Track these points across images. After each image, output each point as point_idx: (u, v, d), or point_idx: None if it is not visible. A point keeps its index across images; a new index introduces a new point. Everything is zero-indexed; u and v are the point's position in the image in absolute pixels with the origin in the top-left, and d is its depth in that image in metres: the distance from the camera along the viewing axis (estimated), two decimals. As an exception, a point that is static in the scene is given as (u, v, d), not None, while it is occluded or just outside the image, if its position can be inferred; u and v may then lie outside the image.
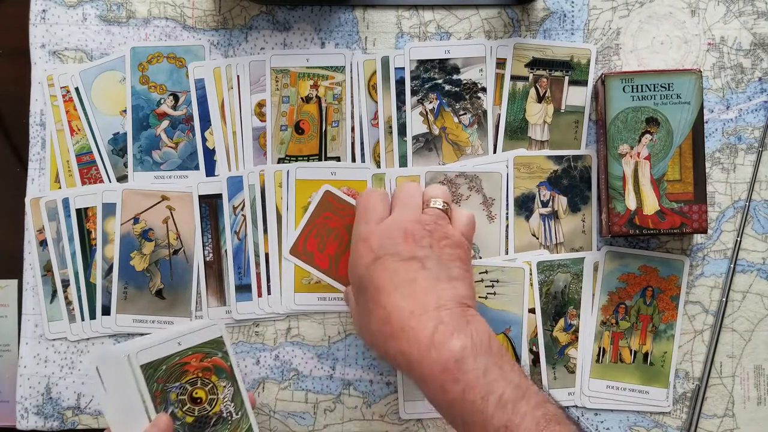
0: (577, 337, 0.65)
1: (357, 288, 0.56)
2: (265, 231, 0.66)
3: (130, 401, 0.55)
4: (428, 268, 0.54)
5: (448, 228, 0.57)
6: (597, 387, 0.65)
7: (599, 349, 0.65)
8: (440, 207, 0.58)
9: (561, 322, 0.65)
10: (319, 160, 0.67)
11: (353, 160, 0.67)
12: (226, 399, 0.59)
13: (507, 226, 0.66)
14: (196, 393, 0.58)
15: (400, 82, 0.67)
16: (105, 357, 0.56)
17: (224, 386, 0.59)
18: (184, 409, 0.57)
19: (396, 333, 0.51)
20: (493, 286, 0.65)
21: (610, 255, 0.65)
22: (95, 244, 0.67)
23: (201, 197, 0.67)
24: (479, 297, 0.65)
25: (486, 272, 0.65)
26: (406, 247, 0.54)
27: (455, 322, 0.50)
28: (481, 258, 0.66)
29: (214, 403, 0.58)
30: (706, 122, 0.66)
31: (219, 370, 0.59)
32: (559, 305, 0.65)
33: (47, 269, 0.67)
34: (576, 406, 0.65)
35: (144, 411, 0.55)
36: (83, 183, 0.67)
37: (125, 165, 0.67)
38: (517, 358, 0.65)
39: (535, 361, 0.65)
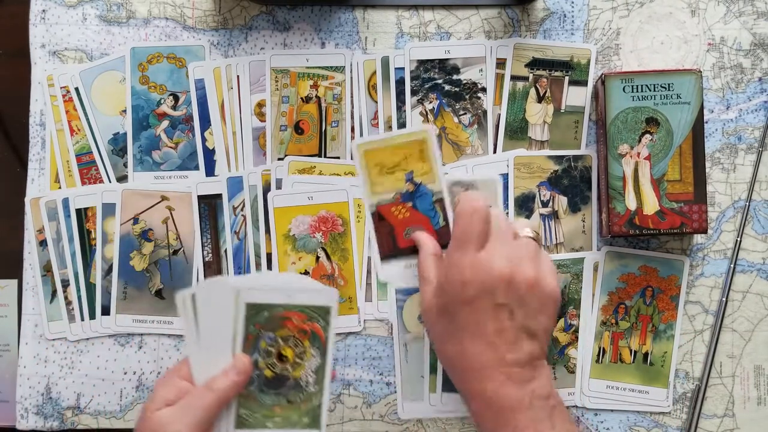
0: (577, 337, 0.65)
1: (442, 307, 0.55)
2: (267, 231, 0.66)
3: (221, 335, 0.54)
4: (515, 319, 0.53)
5: (543, 272, 0.54)
6: (597, 387, 0.65)
7: (599, 349, 0.65)
8: (531, 235, 0.55)
9: (561, 322, 0.65)
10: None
11: (353, 158, 0.66)
12: (310, 368, 0.56)
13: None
14: (285, 351, 0.55)
15: (400, 82, 0.67)
16: (212, 285, 0.55)
17: (314, 355, 0.56)
18: (267, 361, 0.55)
19: (466, 370, 0.54)
20: (493, 286, 0.65)
21: (610, 255, 0.65)
22: (95, 245, 0.67)
23: (200, 197, 0.67)
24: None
25: (486, 272, 0.65)
26: (501, 290, 0.53)
27: (521, 377, 0.52)
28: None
29: (297, 368, 0.56)
30: (706, 122, 0.66)
31: (315, 337, 0.56)
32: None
33: (47, 269, 0.67)
34: (576, 406, 0.65)
35: (231, 349, 0.54)
36: (83, 183, 0.67)
37: (125, 165, 0.67)
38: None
39: (535, 361, 0.65)
